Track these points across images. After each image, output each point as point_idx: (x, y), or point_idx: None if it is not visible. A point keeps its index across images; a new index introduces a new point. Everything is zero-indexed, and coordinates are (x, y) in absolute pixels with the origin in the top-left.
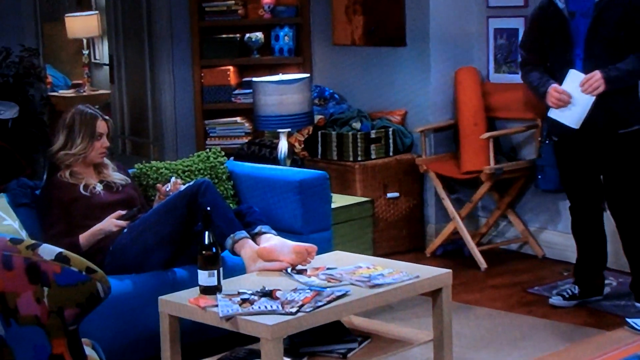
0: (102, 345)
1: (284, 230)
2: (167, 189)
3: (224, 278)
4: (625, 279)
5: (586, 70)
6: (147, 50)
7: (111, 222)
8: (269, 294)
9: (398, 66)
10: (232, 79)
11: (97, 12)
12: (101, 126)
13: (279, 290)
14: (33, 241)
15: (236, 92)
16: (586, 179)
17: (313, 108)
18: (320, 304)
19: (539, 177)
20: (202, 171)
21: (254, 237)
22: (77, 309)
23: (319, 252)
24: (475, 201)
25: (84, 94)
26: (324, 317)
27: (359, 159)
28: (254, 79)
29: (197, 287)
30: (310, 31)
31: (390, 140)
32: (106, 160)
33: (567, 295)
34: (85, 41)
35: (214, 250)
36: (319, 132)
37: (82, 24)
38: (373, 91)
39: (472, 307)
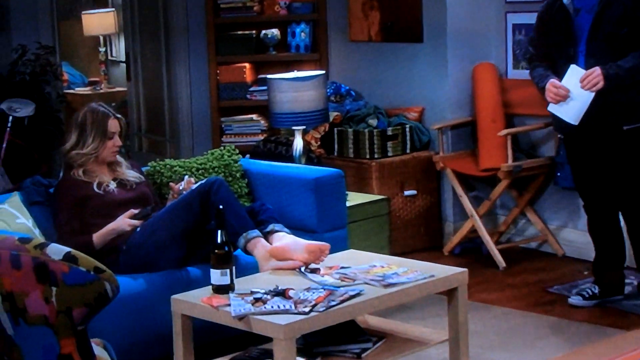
0: (115, 344)
1: (298, 229)
2: (181, 187)
3: (237, 277)
4: None
5: (588, 66)
6: (164, 47)
7: (124, 222)
8: (281, 293)
9: (415, 62)
10: (248, 75)
11: (113, 9)
12: (113, 125)
13: (292, 289)
14: (41, 240)
15: (252, 89)
16: (596, 177)
17: (329, 105)
18: (333, 303)
19: (558, 174)
20: (216, 169)
21: (267, 235)
22: (85, 308)
23: (334, 251)
24: (494, 199)
25: (101, 91)
26: (337, 316)
27: (376, 156)
28: (269, 76)
29: (210, 286)
30: (327, 27)
31: (407, 138)
32: (120, 158)
33: (587, 295)
34: (101, 38)
35: (226, 249)
36: (335, 130)
37: (98, 21)
38: (390, 88)
39: (490, 307)
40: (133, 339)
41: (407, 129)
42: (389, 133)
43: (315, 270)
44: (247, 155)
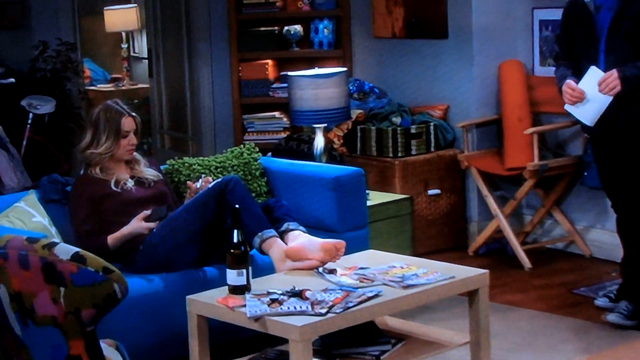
0: (130, 345)
1: (318, 228)
2: (198, 186)
3: (254, 277)
4: None
5: (607, 64)
6: (186, 44)
7: (139, 225)
8: (298, 294)
9: (440, 59)
10: (271, 72)
11: (136, 5)
12: (127, 123)
13: (308, 290)
14: (49, 240)
15: (274, 86)
16: (623, 177)
17: (351, 102)
18: (350, 304)
19: (586, 173)
20: (235, 167)
21: (282, 234)
22: (93, 309)
23: (354, 251)
24: (519, 199)
25: (123, 88)
26: (355, 318)
27: (399, 155)
28: (289, 73)
29: (226, 287)
30: (350, 23)
31: (432, 136)
32: (137, 156)
33: (625, 313)
34: (124, 34)
35: (243, 249)
36: (358, 128)
37: (121, 17)
38: (414, 85)
39: (514, 309)
40: (149, 340)
41: (431, 127)
42: (413, 131)
43: (333, 271)
44: (269, 154)
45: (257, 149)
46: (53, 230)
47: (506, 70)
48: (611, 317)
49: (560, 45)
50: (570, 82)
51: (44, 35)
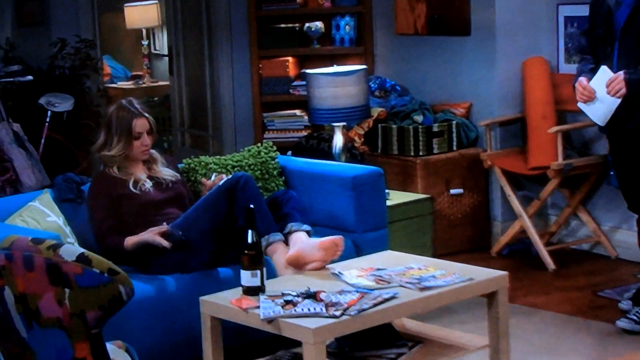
0: (142, 347)
1: (336, 228)
2: (211, 181)
3: (268, 278)
4: None
5: (619, 64)
6: (206, 41)
7: (155, 239)
8: (313, 296)
9: (462, 56)
10: (291, 70)
11: (156, 1)
12: (139, 125)
13: (323, 292)
14: (54, 241)
15: (295, 83)
16: (635, 178)
17: (373, 100)
18: (366, 306)
19: (612, 173)
20: (252, 167)
21: (286, 236)
22: (99, 311)
23: (373, 252)
24: (543, 198)
25: (143, 85)
26: (370, 320)
27: (421, 153)
28: (308, 70)
29: (240, 288)
30: (372, 20)
31: (454, 134)
32: (155, 155)
33: (635, 319)
34: (144, 31)
35: (257, 249)
36: (379, 126)
37: (141, 14)
38: (436, 83)
39: (537, 311)
40: (162, 341)
41: (454, 126)
42: (435, 129)
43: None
44: (289, 152)
45: (275, 148)
46: (67, 229)
47: (530, 68)
48: (621, 323)
49: (586, 39)
50: (582, 79)
51: (63, 32)
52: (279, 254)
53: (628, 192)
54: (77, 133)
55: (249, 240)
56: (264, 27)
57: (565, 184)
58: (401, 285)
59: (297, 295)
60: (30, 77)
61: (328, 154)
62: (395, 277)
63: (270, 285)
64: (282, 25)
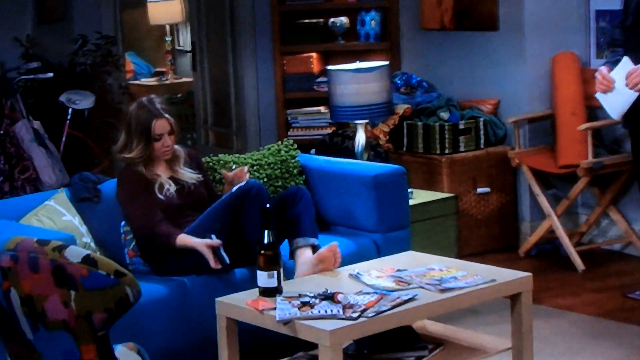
0: (158, 348)
1: (357, 229)
2: (232, 172)
3: (286, 279)
4: None
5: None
6: (230, 37)
7: (204, 251)
8: (330, 297)
9: (490, 52)
10: (315, 66)
11: None
12: (159, 126)
13: (340, 293)
14: (60, 242)
15: (319, 80)
16: None
17: (398, 97)
18: (384, 308)
19: None
20: (272, 165)
21: (293, 252)
22: (105, 313)
23: (395, 252)
24: (573, 198)
25: (167, 82)
26: (388, 323)
27: (447, 151)
28: (329, 67)
29: (257, 289)
30: (398, 15)
31: (481, 132)
32: (178, 151)
33: None
34: (168, 27)
35: (274, 250)
36: (405, 123)
37: (164, 10)
38: (463, 79)
39: (565, 313)
40: (178, 343)
41: (481, 123)
42: (461, 127)
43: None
44: (313, 150)
45: (295, 146)
46: (83, 229)
47: (560, 63)
48: None
49: (619, 31)
50: (602, 68)
51: (84, 28)
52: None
53: None
54: (98, 131)
55: (265, 241)
56: (287, 23)
57: (595, 183)
58: (421, 287)
59: (315, 297)
60: (50, 74)
61: (352, 152)
62: (416, 278)
63: (288, 286)
64: (306, 21)
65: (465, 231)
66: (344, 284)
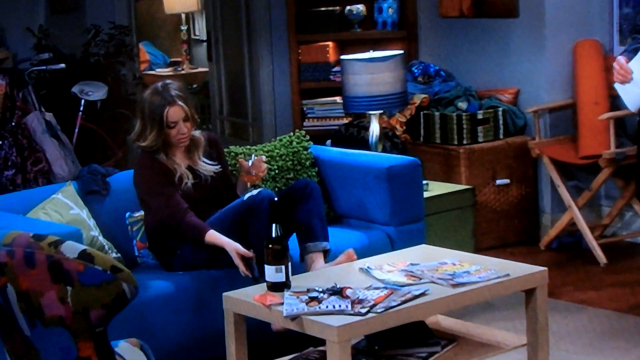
0: (165, 344)
1: (371, 221)
2: (249, 164)
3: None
4: None
5: None
6: (245, 25)
7: (234, 253)
8: (339, 292)
9: (510, 39)
10: (331, 55)
11: None
12: (172, 113)
13: (349, 288)
14: (56, 238)
15: (335, 69)
16: None
17: (415, 86)
18: (394, 304)
19: None
20: (284, 157)
21: (302, 256)
22: (102, 310)
23: (409, 246)
24: (595, 189)
25: (182, 72)
26: (397, 319)
27: (464, 142)
28: (343, 56)
29: (265, 283)
30: (416, 2)
31: (500, 122)
32: (198, 138)
33: None
34: (183, 16)
35: (282, 244)
36: (422, 113)
37: None
38: (482, 67)
39: (585, 308)
40: (186, 338)
41: (500, 113)
42: (480, 117)
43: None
44: (328, 141)
45: (308, 137)
46: (91, 222)
47: (582, 51)
48: None
49: None
50: (620, 58)
51: (98, 18)
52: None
53: None
54: (112, 122)
55: (273, 235)
56: (303, 11)
57: (618, 174)
58: (433, 282)
59: (323, 292)
60: (62, 65)
61: (368, 144)
62: (427, 272)
63: (297, 281)
64: (322, 9)
65: (484, 224)
66: (354, 278)
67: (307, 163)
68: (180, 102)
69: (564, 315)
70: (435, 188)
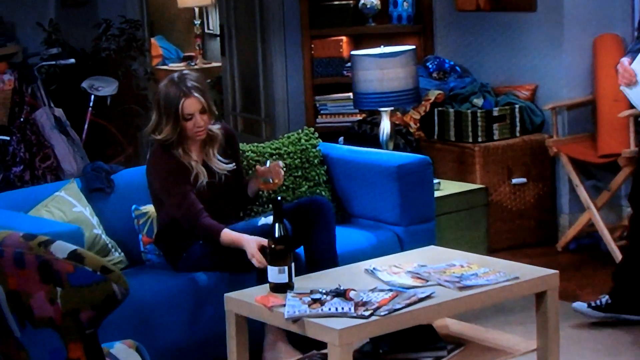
0: (165, 345)
1: (380, 221)
2: (266, 167)
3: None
4: None
5: None
6: (258, 19)
7: (252, 251)
8: (342, 294)
9: (528, 34)
10: (345, 50)
11: None
12: (189, 105)
13: (353, 290)
14: (46, 237)
15: (349, 65)
16: None
17: (429, 82)
18: (398, 307)
19: None
20: (292, 154)
21: None
22: (92, 311)
23: (419, 246)
24: (614, 189)
25: (195, 67)
26: (401, 322)
27: (479, 140)
28: (353, 52)
29: (268, 284)
30: None
31: (517, 119)
32: (215, 133)
33: (592, 305)
34: (197, 10)
35: (285, 244)
36: (436, 110)
37: None
38: (499, 63)
39: None
40: (187, 339)
41: (517, 110)
42: (495, 114)
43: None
44: (341, 138)
45: (317, 135)
46: (95, 220)
47: (602, 46)
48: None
49: None
50: (624, 60)
51: (109, 12)
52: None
53: None
54: (122, 118)
55: (276, 234)
56: (316, 5)
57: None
58: (439, 284)
59: (326, 294)
60: (72, 60)
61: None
62: (434, 274)
63: (300, 282)
64: (336, 3)
65: (499, 224)
66: (359, 280)
67: (316, 161)
68: (196, 94)
69: (579, 319)
70: (447, 187)
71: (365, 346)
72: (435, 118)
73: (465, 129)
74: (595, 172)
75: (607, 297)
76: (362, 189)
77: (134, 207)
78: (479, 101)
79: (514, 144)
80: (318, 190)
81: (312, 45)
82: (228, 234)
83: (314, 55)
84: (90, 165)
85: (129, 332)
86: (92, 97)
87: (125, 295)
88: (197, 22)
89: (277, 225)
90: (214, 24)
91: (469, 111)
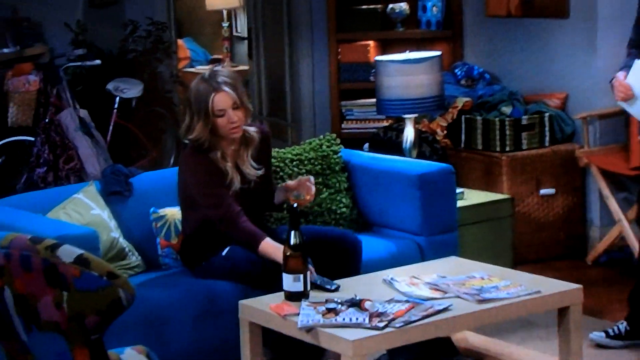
0: (178, 351)
1: (401, 230)
2: (296, 182)
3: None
4: None
5: None
6: (286, 23)
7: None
8: (357, 304)
9: (559, 41)
10: (372, 55)
11: None
12: (219, 101)
13: (368, 300)
14: (53, 241)
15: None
16: None
17: (458, 89)
18: (414, 318)
19: None
20: (312, 161)
21: None
22: (97, 316)
23: (440, 257)
24: None
25: None
26: (417, 334)
27: (507, 149)
28: (377, 57)
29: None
30: (461, 1)
31: (546, 128)
32: (251, 135)
33: (611, 334)
34: (225, 13)
35: (300, 252)
36: (463, 117)
37: None
38: (530, 70)
39: None
40: (201, 347)
41: (546, 118)
42: (524, 122)
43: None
44: (366, 145)
45: (339, 141)
46: (112, 224)
47: None
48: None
49: (634, 30)
50: (619, 75)
51: (137, 13)
52: None
53: None
54: (147, 120)
55: (292, 242)
56: (343, 9)
57: None
58: (458, 296)
59: (341, 303)
60: (98, 61)
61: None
62: (453, 287)
63: (316, 292)
64: (364, 7)
65: (527, 236)
66: (376, 290)
67: (337, 168)
68: (226, 89)
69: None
70: (471, 197)
71: (381, 358)
72: (463, 126)
73: (493, 138)
74: (627, 184)
75: (624, 323)
76: (383, 197)
77: (152, 209)
78: (507, 109)
79: (543, 154)
80: (338, 198)
81: (339, 50)
82: (270, 245)
83: (341, 60)
84: (110, 168)
85: (139, 337)
86: (117, 99)
87: (131, 302)
88: (226, 24)
89: (292, 232)
90: (242, 26)
91: (497, 119)
